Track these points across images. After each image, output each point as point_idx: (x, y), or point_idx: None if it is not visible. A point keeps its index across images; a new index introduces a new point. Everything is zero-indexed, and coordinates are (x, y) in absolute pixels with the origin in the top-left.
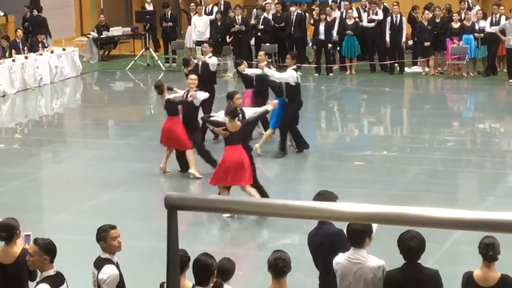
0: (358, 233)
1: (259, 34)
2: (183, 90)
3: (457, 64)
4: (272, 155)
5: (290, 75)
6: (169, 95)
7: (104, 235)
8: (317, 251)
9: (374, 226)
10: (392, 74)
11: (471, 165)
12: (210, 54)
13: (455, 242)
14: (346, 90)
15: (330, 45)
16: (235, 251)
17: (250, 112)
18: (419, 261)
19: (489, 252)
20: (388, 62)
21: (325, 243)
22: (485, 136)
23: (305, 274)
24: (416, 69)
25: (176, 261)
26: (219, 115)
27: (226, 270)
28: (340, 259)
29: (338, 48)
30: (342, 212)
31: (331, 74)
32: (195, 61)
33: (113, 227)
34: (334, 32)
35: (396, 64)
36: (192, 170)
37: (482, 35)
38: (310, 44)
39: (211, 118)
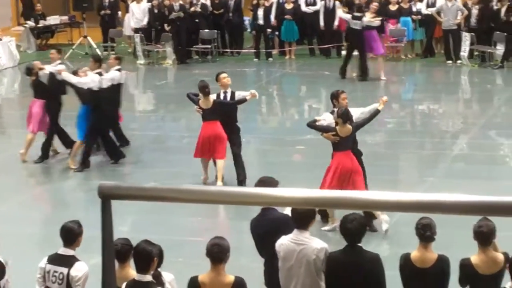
0: (304, 216)
1: (197, 20)
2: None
3: (395, 46)
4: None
5: (91, 79)
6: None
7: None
8: (262, 238)
9: None
10: (329, 57)
11: (411, 147)
12: (58, 62)
13: (396, 223)
14: (286, 75)
15: (269, 30)
16: (178, 238)
17: (357, 112)
18: (360, 244)
19: (426, 232)
20: (326, 46)
21: (271, 229)
22: (424, 117)
23: (250, 260)
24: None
25: (111, 250)
26: (324, 118)
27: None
28: (283, 241)
29: (277, 32)
30: (285, 198)
31: (270, 59)
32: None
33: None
34: (272, 17)
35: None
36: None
37: (419, 17)
38: (249, 29)
39: (318, 123)
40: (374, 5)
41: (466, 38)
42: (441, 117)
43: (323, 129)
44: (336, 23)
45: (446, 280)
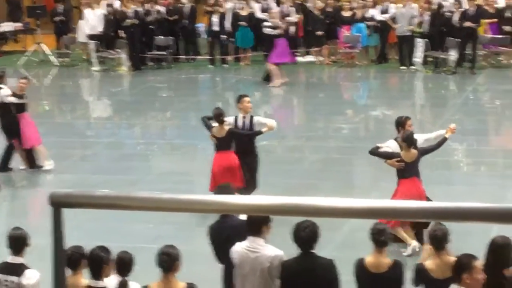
0: (255, 222)
1: (151, 27)
2: None
3: (349, 52)
4: None
5: None
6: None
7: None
8: (222, 244)
9: None
10: (285, 64)
11: (366, 152)
12: None
13: (351, 229)
14: (241, 81)
15: (224, 36)
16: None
17: (421, 138)
18: (314, 251)
19: (380, 237)
20: None
21: (232, 235)
22: (378, 123)
23: (207, 267)
24: (309, 58)
25: (63, 259)
26: (389, 145)
27: (123, 263)
28: (238, 248)
29: (232, 39)
30: (242, 205)
31: (225, 66)
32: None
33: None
34: (228, 24)
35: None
36: None
37: (373, 23)
38: (204, 36)
39: (381, 150)
40: (273, 12)
41: (420, 44)
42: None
43: (387, 156)
44: (292, 29)
45: (401, 285)
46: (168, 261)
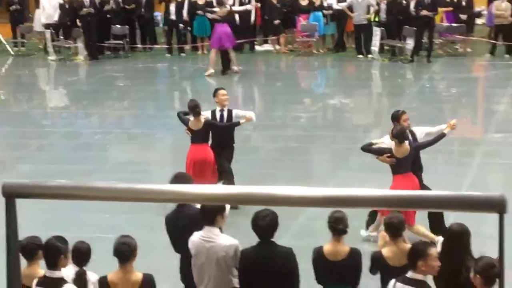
0: (209, 212)
1: (108, 16)
2: None
3: (307, 41)
4: None
5: None
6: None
7: None
8: (180, 233)
9: None
10: (242, 53)
11: (324, 141)
12: None
13: (309, 217)
14: (199, 70)
15: (181, 25)
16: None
17: (422, 132)
18: (273, 239)
19: (338, 226)
20: (240, 41)
21: (189, 224)
22: (336, 111)
23: (164, 256)
24: (267, 47)
25: (16, 249)
26: (383, 141)
27: (80, 253)
28: (194, 238)
29: (189, 28)
30: (198, 194)
31: (183, 54)
32: None
33: None
34: (185, 12)
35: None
36: None
37: (330, 12)
38: (161, 25)
39: (374, 146)
40: None
41: (377, 33)
42: (353, 111)
43: (377, 152)
44: (252, 18)
45: (358, 272)
46: (127, 251)
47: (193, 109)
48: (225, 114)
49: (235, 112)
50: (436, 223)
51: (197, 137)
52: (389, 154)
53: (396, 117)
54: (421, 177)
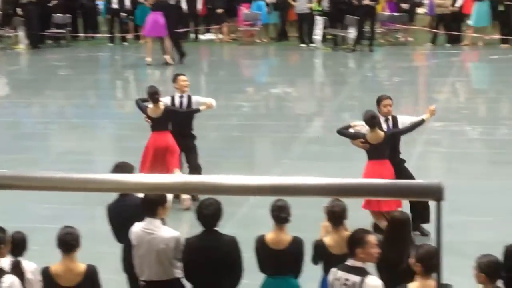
0: (152, 203)
1: (49, 4)
2: None
3: (249, 30)
4: None
5: None
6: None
7: None
8: (121, 223)
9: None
10: (187, 41)
11: (267, 130)
12: None
13: (252, 206)
14: (141, 59)
15: (123, 14)
16: (29, 225)
17: (405, 121)
18: (217, 228)
19: (280, 214)
20: (183, 30)
21: (131, 214)
22: (279, 100)
23: (106, 246)
24: (210, 36)
25: None
26: (363, 123)
27: (16, 243)
28: (135, 229)
29: (131, 17)
30: (140, 184)
31: (125, 43)
32: None
33: None
34: (127, 1)
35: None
36: None
37: (273, 1)
38: (103, 14)
39: (353, 129)
40: None
41: (319, 22)
42: (296, 100)
43: (351, 136)
44: (199, 6)
45: (301, 261)
46: (71, 241)
47: (152, 96)
48: (185, 100)
49: (194, 98)
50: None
51: (157, 124)
52: (362, 140)
53: (377, 101)
54: (400, 164)
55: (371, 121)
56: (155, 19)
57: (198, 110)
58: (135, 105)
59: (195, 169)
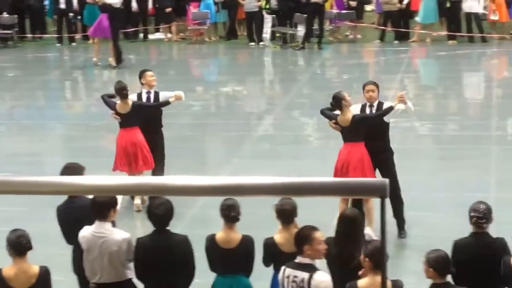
0: (102, 206)
1: None
2: None
3: (198, 29)
4: None
5: None
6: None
7: None
8: (72, 225)
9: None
10: (135, 41)
11: (217, 129)
12: None
13: (204, 205)
14: (90, 59)
15: (71, 14)
16: None
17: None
18: (168, 228)
19: (230, 213)
20: (131, 29)
21: (81, 216)
22: (229, 99)
23: (58, 248)
24: (159, 35)
25: None
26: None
27: None
28: (85, 233)
29: (79, 17)
30: (90, 186)
31: (73, 44)
32: None
33: None
34: (75, 1)
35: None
36: None
37: None
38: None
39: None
40: None
41: (268, 20)
42: (246, 99)
43: (327, 116)
44: (150, 5)
45: (251, 259)
46: (23, 244)
47: (120, 91)
48: (152, 96)
49: (162, 93)
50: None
51: (126, 120)
52: (334, 121)
53: (362, 87)
54: (387, 161)
55: (334, 101)
56: (99, 20)
57: (167, 103)
58: (101, 101)
59: (159, 169)
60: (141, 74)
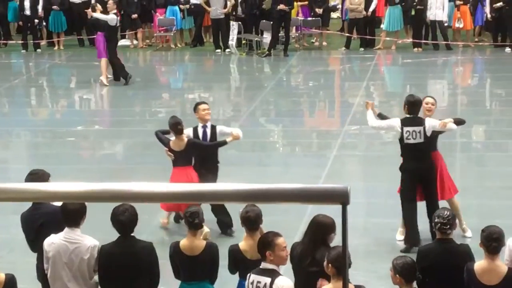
0: (74, 213)
1: None
2: None
3: (164, 36)
4: None
5: None
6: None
7: None
8: (36, 232)
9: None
10: None
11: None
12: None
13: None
14: (55, 66)
15: (36, 20)
16: None
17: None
18: (133, 234)
19: (194, 220)
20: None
21: (46, 222)
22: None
23: (23, 255)
24: (124, 42)
25: None
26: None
27: None
28: (54, 240)
29: (44, 23)
30: (56, 192)
31: (38, 50)
32: None
33: None
34: (40, 8)
35: None
36: None
37: (187, 6)
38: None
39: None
40: (109, 3)
41: (234, 27)
42: (212, 106)
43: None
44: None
45: (215, 267)
46: None
47: (175, 127)
48: (208, 131)
49: (219, 128)
50: None
51: (180, 159)
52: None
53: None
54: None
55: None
56: (97, 41)
57: (224, 143)
58: (154, 137)
59: (218, 207)
60: (195, 107)
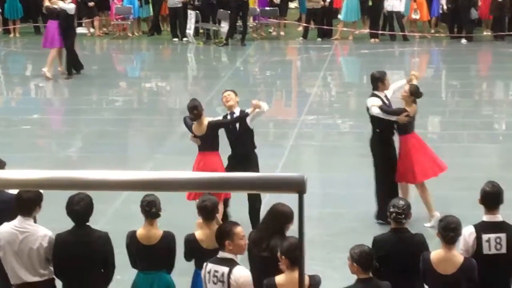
0: (29, 202)
1: None
2: None
3: (121, 24)
4: None
5: None
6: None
7: None
8: None
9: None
10: None
11: (140, 124)
12: None
13: (124, 201)
14: (11, 53)
15: None
16: None
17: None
18: (88, 223)
19: (151, 209)
20: None
21: (2, 210)
22: (152, 95)
23: None
24: (81, 30)
25: None
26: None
27: None
28: (5, 228)
29: (0, 10)
30: (11, 180)
31: None
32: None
33: None
34: None
35: None
36: None
37: None
38: None
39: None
40: None
41: (191, 16)
42: (169, 95)
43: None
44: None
45: (173, 256)
46: None
47: (192, 111)
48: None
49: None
50: None
51: (203, 143)
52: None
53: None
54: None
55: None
56: (47, 29)
57: (246, 115)
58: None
59: (256, 210)
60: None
